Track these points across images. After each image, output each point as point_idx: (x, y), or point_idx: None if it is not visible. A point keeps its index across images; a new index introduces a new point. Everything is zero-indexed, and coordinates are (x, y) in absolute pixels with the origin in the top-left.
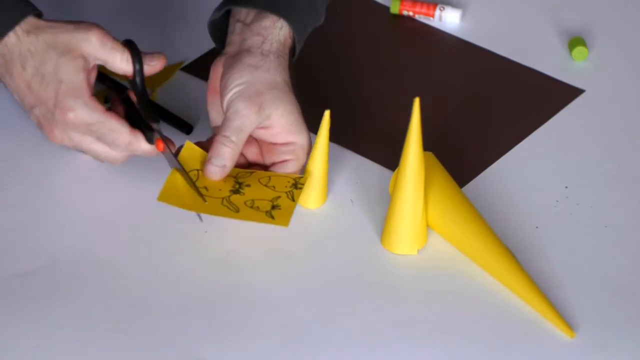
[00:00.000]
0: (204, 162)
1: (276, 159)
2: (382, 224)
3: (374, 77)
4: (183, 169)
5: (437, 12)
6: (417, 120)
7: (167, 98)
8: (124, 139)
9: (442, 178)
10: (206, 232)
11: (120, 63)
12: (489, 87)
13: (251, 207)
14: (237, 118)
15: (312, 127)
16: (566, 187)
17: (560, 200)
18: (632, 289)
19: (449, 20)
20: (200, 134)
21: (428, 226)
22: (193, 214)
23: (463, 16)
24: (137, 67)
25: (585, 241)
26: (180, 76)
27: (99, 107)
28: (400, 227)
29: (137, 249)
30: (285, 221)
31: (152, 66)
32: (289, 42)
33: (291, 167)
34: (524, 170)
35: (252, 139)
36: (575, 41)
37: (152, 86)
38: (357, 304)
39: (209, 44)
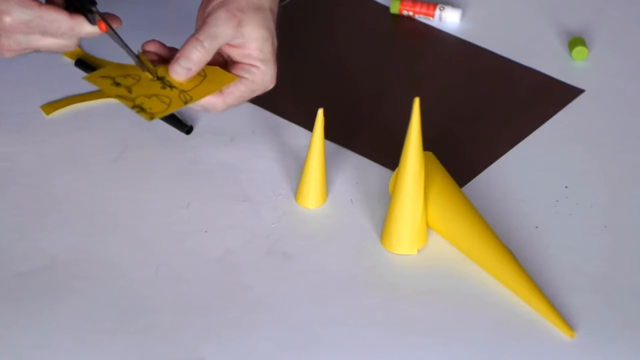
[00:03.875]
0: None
1: (234, 72)
2: (382, 224)
3: (374, 77)
4: (129, 48)
5: (437, 12)
6: (417, 120)
7: None
8: (66, 26)
9: (442, 178)
10: (206, 232)
11: None
12: (489, 87)
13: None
14: (215, 25)
15: (311, 126)
16: (566, 187)
17: (560, 200)
18: (632, 289)
19: (449, 20)
20: (200, 133)
21: (428, 226)
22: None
23: (463, 16)
24: None
25: (585, 241)
26: None
27: (32, 3)
28: (400, 227)
29: (137, 249)
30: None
31: None
32: None
33: (242, 84)
34: (524, 170)
35: (220, 57)
36: (575, 41)
37: None
38: (357, 304)
39: None
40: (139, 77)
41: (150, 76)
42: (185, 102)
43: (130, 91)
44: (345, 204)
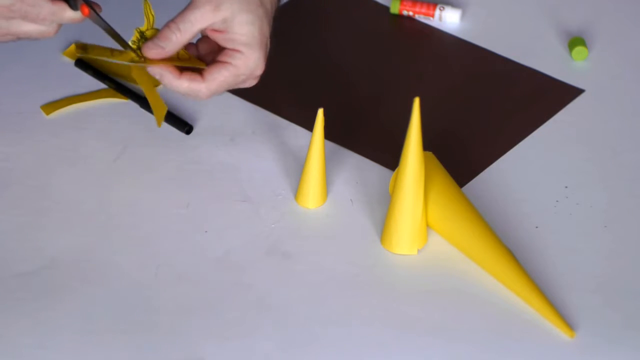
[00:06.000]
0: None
1: (220, 58)
2: (382, 224)
3: (374, 76)
4: (112, 29)
5: (437, 12)
6: (417, 120)
7: (167, 98)
8: (47, 10)
9: (442, 178)
10: (206, 232)
11: None
12: (489, 87)
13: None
14: (192, 12)
15: (311, 126)
16: (566, 187)
17: (560, 200)
18: (632, 289)
19: (448, 20)
20: (200, 133)
21: (428, 226)
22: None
23: (463, 16)
24: None
25: (585, 241)
26: None
27: None
28: (400, 227)
29: (137, 249)
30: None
31: None
32: None
33: (226, 70)
34: (524, 170)
35: (214, 44)
36: (575, 41)
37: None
38: (357, 304)
39: None
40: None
41: (133, 56)
42: (144, 62)
43: (112, 54)
44: (345, 204)
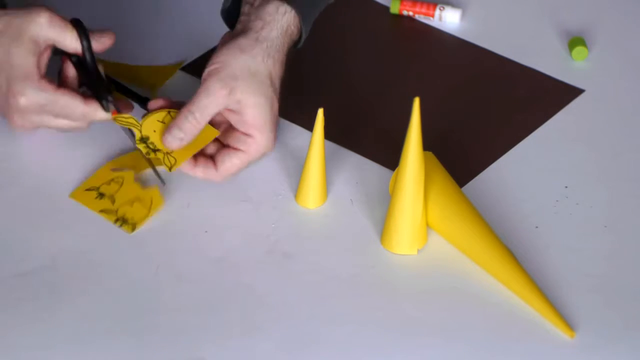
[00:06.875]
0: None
1: (231, 142)
2: (382, 224)
3: (374, 76)
4: (133, 136)
5: (437, 12)
6: (417, 120)
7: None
8: (80, 111)
9: (442, 178)
10: (206, 232)
11: (70, 41)
12: (489, 87)
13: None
14: (205, 97)
15: (311, 126)
16: (566, 187)
17: (560, 200)
18: (632, 289)
19: (448, 20)
20: None
21: (428, 226)
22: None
23: (463, 16)
24: (85, 44)
25: (585, 241)
26: (180, 76)
27: (49, 87)
28: (400, 227)
29: (137, 249)
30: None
31: (101, 43)
32: (292, 30)
33: (237, 159)
34: (524, 170)
35: (222, 116)
36: (575, 41)
37: (152, 86)
38: (356, 304)
39: (209, 44)
40: (122, 181)
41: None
42: (170, 168)
43: (113, 201)
44: (345, 204)
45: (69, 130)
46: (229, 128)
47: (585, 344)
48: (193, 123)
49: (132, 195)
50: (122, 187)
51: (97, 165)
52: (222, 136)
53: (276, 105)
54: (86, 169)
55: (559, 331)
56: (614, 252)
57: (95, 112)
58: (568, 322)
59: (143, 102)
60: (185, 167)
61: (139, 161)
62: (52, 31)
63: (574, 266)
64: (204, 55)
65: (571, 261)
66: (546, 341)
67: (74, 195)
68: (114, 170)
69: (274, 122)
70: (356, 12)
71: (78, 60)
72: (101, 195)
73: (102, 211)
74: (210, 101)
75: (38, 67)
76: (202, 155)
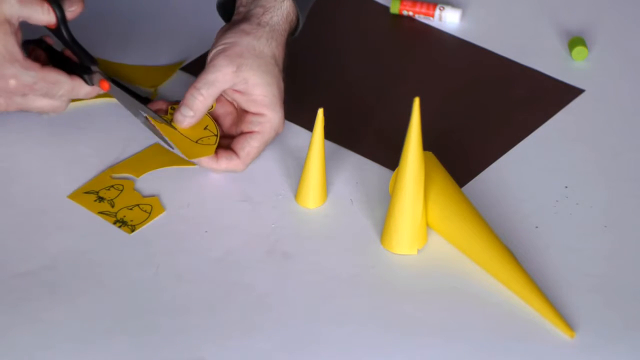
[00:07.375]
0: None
1: (244, 128)
2: (382, 224)
3: (374, 76)
4: (137, 102)
5: (437, 12)
6: (417, 120)
7: (167, 97)
8: (67, 88)
9: (442, 178)
10: (206, 232)
11: (42, 15)
12: (489, 87)
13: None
14: (213, 72)
15: (311, 126)
16: (566, 187)
17: (560, 200)
18: (631, 289)
19: (448, 20)
20: None
21: (428, 226)
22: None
23: (463, 16)
24: (59, 14)
25: (585, 241)
26: (180, 76)
27: (35, 66)
28: (400, 227)
29: (137, 249)
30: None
31: (71, 12)
32: (292, 17)
33: (255, 141)
34: (524, 170)
35: (230, 106)
36: (575, 41)
37: (152, 86)
38: (356, 304)
39: (209, 44)
40: (122, 188)
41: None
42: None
43: (112, 205)
44: (345, 204)
45: (49, 110)
46: (238, 117)
47: (585, 344)
48: (200, 99)
49: (132, 203)
50: (122, 193)
51: (97, 165)
52: (233, 127)
53: (282, 85)
54: (86, 169)
55: (559, 331)
56: (614, 252)
57: (81, 86)
58: (568, 322)
59: (143, 102)
60: (208, 162)
61: (142, 164)
62: (23, 8)
63: (574, 266)
64: (204, 55)
65: (571, 261)
66: (546, 341)
67: (72, 197)
68: (113, 177)
69: (282, 101)
70: (356, 12)
71: (47, 47)
72: (100, 199)
73: (101, 213)
74: (217, 77)
75: (19, 46)
76: (220, 149)
